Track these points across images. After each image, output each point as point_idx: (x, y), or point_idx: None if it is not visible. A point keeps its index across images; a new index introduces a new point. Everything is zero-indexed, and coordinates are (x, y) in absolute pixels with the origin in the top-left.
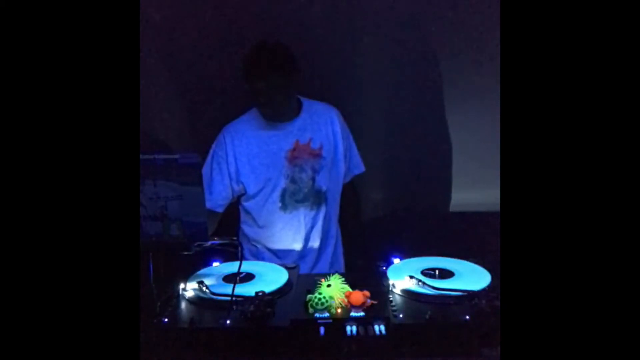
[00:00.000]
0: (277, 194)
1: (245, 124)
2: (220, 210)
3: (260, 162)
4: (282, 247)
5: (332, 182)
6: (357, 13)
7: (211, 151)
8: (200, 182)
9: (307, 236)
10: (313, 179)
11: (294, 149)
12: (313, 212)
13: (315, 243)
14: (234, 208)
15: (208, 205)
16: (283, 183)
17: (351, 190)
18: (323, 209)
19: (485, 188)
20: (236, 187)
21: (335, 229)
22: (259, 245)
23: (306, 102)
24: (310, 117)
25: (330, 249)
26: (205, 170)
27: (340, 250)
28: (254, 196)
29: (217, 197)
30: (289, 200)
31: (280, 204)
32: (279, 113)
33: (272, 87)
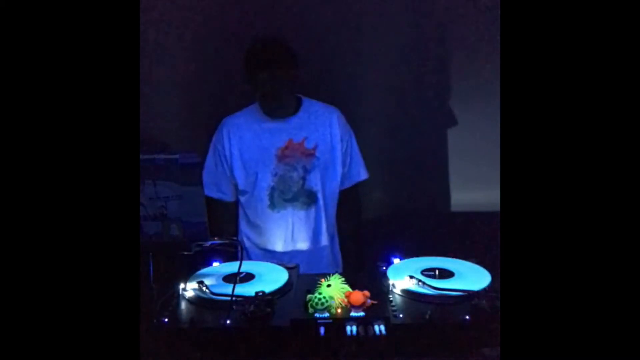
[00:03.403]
0: (265, 192)
1: (243, 117)
2: (232, 200)
3: (250, 157)
4: (269, 246)
5: (325, 183)
6: (358, 14)
7: (212, 144)
8: (200, 182)
9: (295, 236)
10: (304, 179)
11: (286, 147)
12: (302, 213)
13: (304, 244)
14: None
15: (220, 196)
16: (271, 181)
17: (351, 190)
18: (313, 210)
19: (485, 188)
20: (232, 181)
21: (330, 230)
22: (248, 243)
23: (306, 102)
24: (308, 117)
25: (325, 251)
26: (208, 161)
27: (337, 250)
28: (244, 191)
29: (225, 188)
30: (278, 199)
31: (268, 203)
32: (278, 107)
33: (274, 78)
